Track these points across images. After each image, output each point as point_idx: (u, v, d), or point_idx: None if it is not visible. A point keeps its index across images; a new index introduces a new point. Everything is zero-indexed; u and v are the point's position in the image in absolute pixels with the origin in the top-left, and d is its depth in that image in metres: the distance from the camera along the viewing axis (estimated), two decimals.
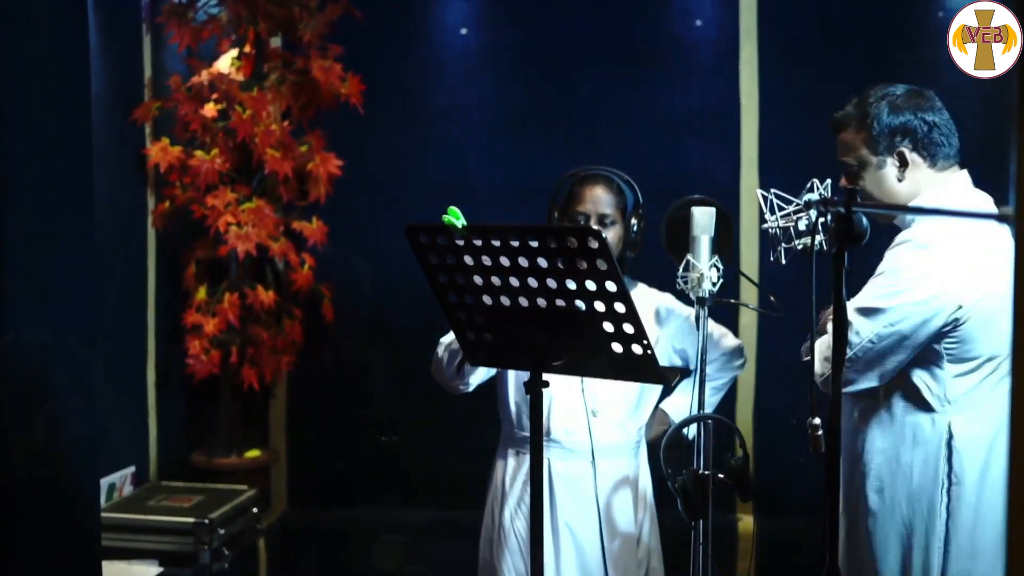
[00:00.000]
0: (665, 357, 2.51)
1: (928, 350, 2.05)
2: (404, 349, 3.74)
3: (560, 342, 1.84)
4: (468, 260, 1.80)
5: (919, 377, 2.07)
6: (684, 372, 2.54)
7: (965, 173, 2.16)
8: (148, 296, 3.87)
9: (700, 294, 2.13)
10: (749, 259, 3.68)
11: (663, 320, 2.51)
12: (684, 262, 2.14)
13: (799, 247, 1.92)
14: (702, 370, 2.13)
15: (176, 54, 3.81)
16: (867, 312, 2.02)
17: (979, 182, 2.19)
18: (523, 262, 1.75)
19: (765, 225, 1.99)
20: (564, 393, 2.42)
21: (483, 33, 4.00)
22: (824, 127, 2.29)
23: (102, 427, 2.75)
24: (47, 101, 2.18)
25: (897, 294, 2.01)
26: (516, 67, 3.98)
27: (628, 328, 1.76)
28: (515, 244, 1.74)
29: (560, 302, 1.78)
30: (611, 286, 1.71)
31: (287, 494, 4.15)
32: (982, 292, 2.02)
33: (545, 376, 1.88)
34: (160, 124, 3.81)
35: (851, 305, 2.01)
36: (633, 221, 2.46)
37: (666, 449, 2.03)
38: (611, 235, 2.42)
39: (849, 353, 2.01)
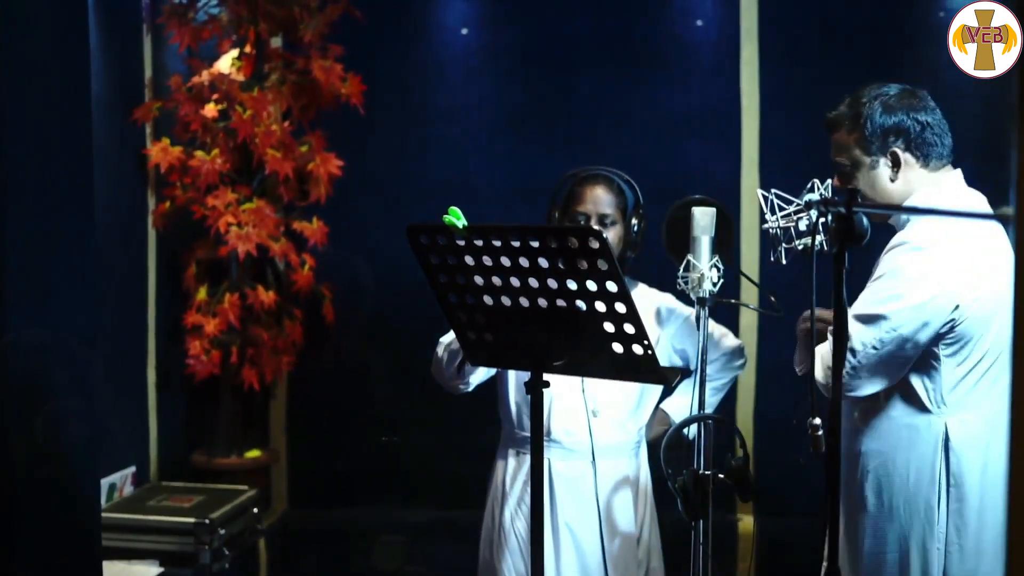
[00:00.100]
0: (665, 357, 2.51)
1: (926, 351, 2.05)
2: (404, 349, 3.74)
3: (561, 342, 1.84)
4: (469, 260, 1.80)
5: (916, 378, 2.07)
6: (684, 372, 2.54)
7: (958, 172, 2.16)
8: (148, 296, 3.87)
9: (700, 294, 2.13)
10: (749, 259, 3.68)
11: (664, 320, 2.51)
12: (684, 262, 2.14)
13: (799, 247, 1.92)
14: (702, 370, 2.13)
15: (176, 54, 3.81)
16: (869, 319, 2.01)
17: (979, 182, 2.19)
18: (524, 262, 1.75)
19: (766, 225, 1.99)
20: (565, 393, 2.42)
21: (483, 33, 4.00)
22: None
23: (102, 427, 2.75)
24: (47, 101, 2.18)
25: (897, 298, 2.01)
26: (516, 67, 3.98)
27: (629, 328, 1.75)
28: (516, 244, 1.74)
29: (561, 302, 1.78)
30: (612, 286, 1.71)
31: (287, 494, 4.15)
32: (979, 292, 2.02)
33: (546, 376, 1.88)
34: (160, 124, 3.81)
35: (851, 312, 2.01)
36: (634, 221, 2.46)
37: (666, 449, 2.03)
38: (612, 235, 2.42)
39: (853, 361, 2.00)
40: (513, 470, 2.51)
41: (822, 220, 1.78)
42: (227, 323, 3.69)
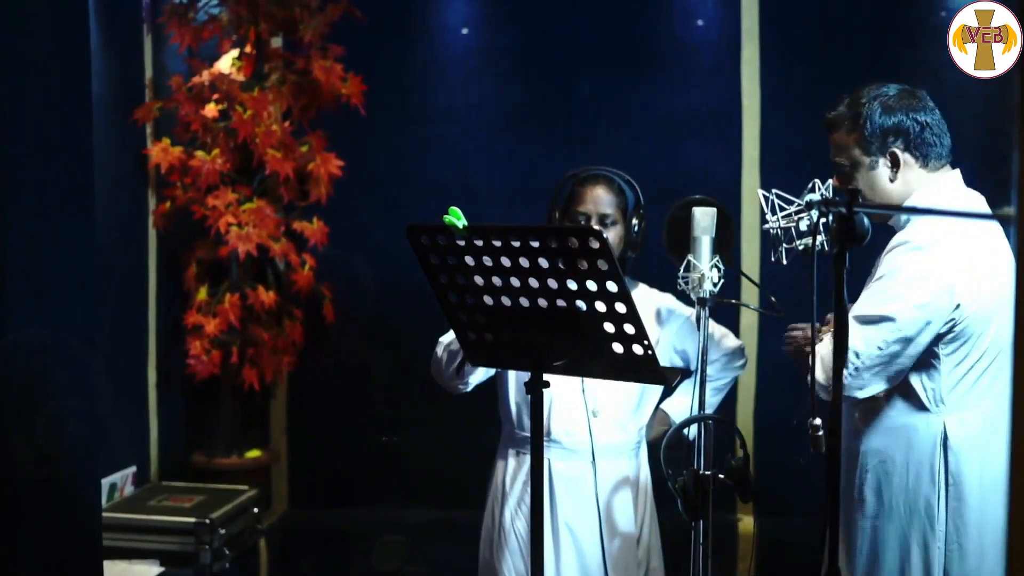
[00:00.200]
0: (666, 357, 2.51)
1: (925, 351, 2.05)
2: (404, 349, 3.74)
3: (561, 342, 1.84)
4: (469, 260, 1.80)
5: (916, 377, 2.07)
6: (685, 372, 2.54)
7: (957, 172, 2.16)
8: (148, 296, 3.87)
9: (701, 294, 2.12)
10: (750, 259, 3.68)
11: (664, 320, 2.51)
12: (685, 262, 2.14)
13: (800, 247, 1.92)
14: (703, 370, 2.13)
15: (177, 54, 3.81)
16: (871, 320, 2.01)
17: (979, 182, 2.19)
18: (524, 262, 1.75)
19: (766, 225, 1.99)
20: (565, 393, 2.42)
21: (483, 33, 4.01)
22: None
23: (102, 427, 2.74)
24: (47, 101, 2.18)
25: (899, 299, 2.01)
26: (516, 67, 3.98)
27: (629, 328, 1.75)
28: (516, 244, 1.74)
29: (561, 302, 1.78)
30: (612, 286, 1.71)
31: (287, 494, 4.15)
32: (979, 291, 2.02)
33: (546, 376, 1.88)
34: (161, 124, 3.82)
35: (853, 313, 2.01)
36: (634, 221, 2.46)
37: (666, 449, 2.03)
38: (612, 235, 2.42)
39: (856, 363, 2.01)
40: (513, 470, 2.51)
41: (823, 220, 1.78)
42: (227, 323, 3.69)
